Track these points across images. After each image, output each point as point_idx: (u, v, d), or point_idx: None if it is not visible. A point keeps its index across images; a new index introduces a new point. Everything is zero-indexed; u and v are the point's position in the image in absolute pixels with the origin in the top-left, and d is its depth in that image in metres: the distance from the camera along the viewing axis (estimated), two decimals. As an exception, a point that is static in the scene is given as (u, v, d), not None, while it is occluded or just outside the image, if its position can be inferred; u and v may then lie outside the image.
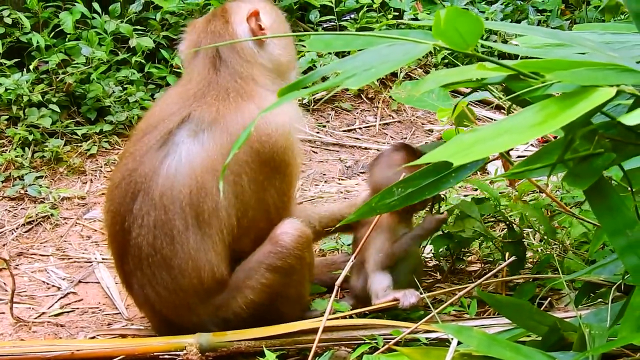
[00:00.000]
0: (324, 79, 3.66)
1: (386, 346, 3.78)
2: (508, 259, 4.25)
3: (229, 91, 4.17)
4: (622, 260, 3.02)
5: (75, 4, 7.00)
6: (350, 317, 4.12)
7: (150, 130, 4.19)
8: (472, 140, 2.65)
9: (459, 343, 3.37)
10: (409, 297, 4.13)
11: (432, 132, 7.06)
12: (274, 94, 4.12)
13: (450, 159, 2.55)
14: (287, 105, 4.16)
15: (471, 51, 2.85)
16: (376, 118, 7.23)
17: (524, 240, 4.56)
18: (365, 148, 6.79)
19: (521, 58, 3.28)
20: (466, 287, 3.96)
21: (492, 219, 4.76)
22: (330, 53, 7.23)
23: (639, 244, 2.98)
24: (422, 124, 7.20)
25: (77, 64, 6.69)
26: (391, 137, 6.99)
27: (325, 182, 6.33)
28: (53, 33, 6.88)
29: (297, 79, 2.97)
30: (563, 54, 3.23)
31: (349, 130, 7.07)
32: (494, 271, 4.07)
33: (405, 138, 6.97)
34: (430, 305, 3.89)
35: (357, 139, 6.94)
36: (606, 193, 3.05)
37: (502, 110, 7.10)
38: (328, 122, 7.14)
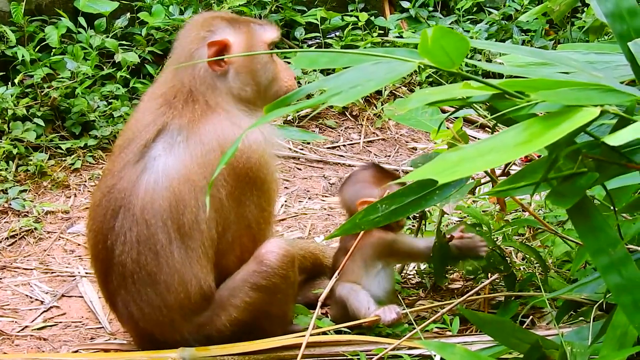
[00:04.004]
0: (309, 96, 3.67)
1: (369, 362, 3.79)
2: (491, 276, 4.27)
3: (187, 99, 4.14)
4: (604, 279, 3.02)
5: (61, 18, 7.02)
6: (337, 332, 4.13)
7: (126, 144, 4.18)
8: (457, 158, 2.66)
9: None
10: (388, 313, 4.15)
11: (416, 149, 7.10)
12: (240, 111, 4.14)
13: (436, 176, 2.56)
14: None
15: (457, 70, 2.87)
16: (360, 135, 7.26)
17: (506, 258, 4.57)
18: (349, 165, 6.81)
19: (506, 77, 3.30)
20: (450, 304, 3.98)
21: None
22: (315, 70, 7.26)
23: (621, 262, 2.98)
24: (406, 141, 7.24)
25: (62, 78, 6.71)
26: (375, 154, 7.01)
27: (309, 198, 6.35)
28: (38, 47, 6.90)
29: (283, 96, 2.97)
30: (547, 74, 3.24)
31: (333, 148, 7.10)
32: (477, 289, 4.08)
33: (389, 156, 7.00)
34: (414, 322, 3.90)
35: (341, 156, 6.97)
36: (589, 212, 3.06)
37: (487, 129, 7.14)
38: (312, 139, 7.16)
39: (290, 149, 6.92)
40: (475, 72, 7.05)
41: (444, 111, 5.97)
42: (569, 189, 3.04)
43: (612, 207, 3.34)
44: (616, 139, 2.51)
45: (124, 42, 7.18)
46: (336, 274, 4.14)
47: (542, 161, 3.15)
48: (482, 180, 4.12)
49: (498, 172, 4.18)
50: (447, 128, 4.32)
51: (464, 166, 2.60)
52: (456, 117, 4.45)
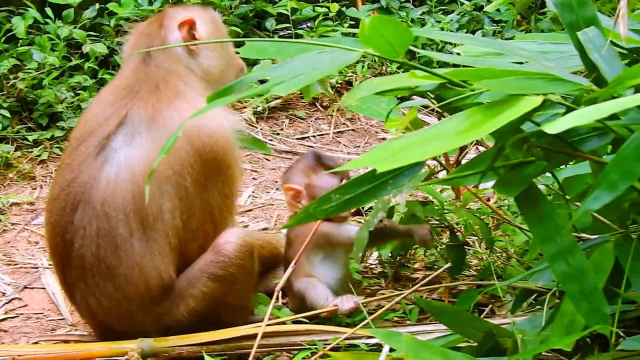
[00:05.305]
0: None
1: (321, 352, 3.79)
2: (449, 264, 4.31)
3: (159, 85, 4.17)
4: (551, 267, 3.03)
5: (28, 9, 6.99)
6: (296, 322, 4.13)
7: (85, 138, 4.15)
8: (399, 147, 2.67)
9: (391, 349, 3.38)
10: (346, 303, 4.16)
11: (385, 140, 7.09)
12: (204, 97, 4.16)
13: (375, 165, 2.57)
14: (223, 110, 4.23)
15: (401, 59, 2.88)
16: (330, 126, 7.26)
17: (466, 246, 4.60)
18: (319, 156, 6.81)
19: (458, 67, 3.31)
20: (404, 293, 3.99)
21: (438, 226, 4.79)
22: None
23: (567, 251, 3.00)
24: (376, 132, 7.24)
25: (29, 69, 6.70)
26: (345, 145, 7.02)
27: (277, 189, 6.34)
28: (5, 38, 6.87)
29: (227, 85, 2.98)
30: (500, 63, 3.27)
31: (302, 138, 7.10)
32: (429, 277, 4.08)
33: (359, 146, 7.01)
34: (365, 312, 3.90)
35: (311, 147, 6.96)
36: (536, 201, 3.08)
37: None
38: (282, 129, 7.17)
39: (259, 139, 6.91)
40: (446, 63, 7.01)
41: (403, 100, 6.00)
42: (516, 177, 3.06)
43: (562, 195, 3.36)
44: (555, 127, 2.53)
45: (92, 33, 7.16)
46: (292, 265, 4.14)
47: (491, 150, 3.17)
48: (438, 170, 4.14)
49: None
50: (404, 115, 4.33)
51: (404, 154, 2.61)
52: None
